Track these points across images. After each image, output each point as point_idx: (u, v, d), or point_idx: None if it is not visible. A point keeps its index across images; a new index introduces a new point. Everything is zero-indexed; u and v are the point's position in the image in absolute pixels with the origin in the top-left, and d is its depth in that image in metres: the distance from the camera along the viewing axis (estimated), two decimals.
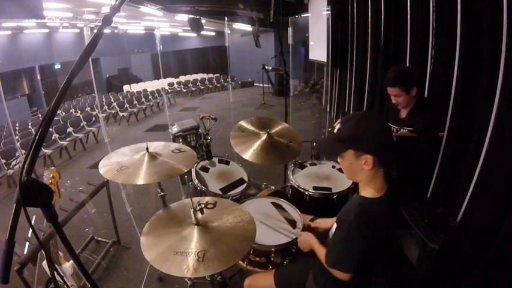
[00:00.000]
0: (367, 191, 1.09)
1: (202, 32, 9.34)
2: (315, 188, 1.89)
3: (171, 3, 7.29)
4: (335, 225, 1.19)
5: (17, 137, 5.21)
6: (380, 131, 1.04)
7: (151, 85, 12.21)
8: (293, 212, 1.73)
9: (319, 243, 1.29)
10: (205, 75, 13.93)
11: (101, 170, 1.53)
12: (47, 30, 10.56)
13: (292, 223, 1.63)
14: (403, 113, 1.90)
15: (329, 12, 4.86)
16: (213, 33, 13.93)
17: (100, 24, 0.63)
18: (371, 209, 1.06)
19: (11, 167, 4.51)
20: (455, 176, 1.76)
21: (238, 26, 10.60)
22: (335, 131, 1.08)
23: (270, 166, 3.29)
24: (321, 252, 1.24)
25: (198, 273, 1.04)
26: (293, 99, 8.12)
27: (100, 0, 6.69)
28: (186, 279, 1.91)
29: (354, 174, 1.10)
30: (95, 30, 0.63)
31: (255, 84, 12.84)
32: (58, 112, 4.29)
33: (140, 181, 1.46)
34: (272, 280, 1.39)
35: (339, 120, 1.10)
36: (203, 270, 1.05)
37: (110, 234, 2.81)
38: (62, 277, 1.89)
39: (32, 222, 0.67)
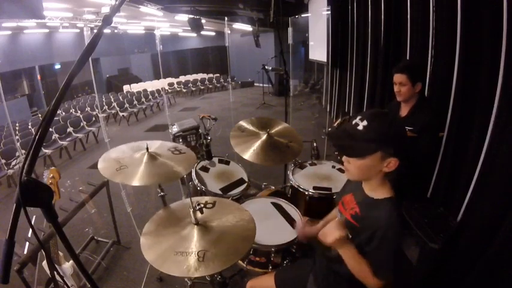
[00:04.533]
0: (382, 192, 1.03)
1: (202, 32, 9.32)
2: (315, 188, 1.89)
3: (171, 3, 7.28)
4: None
5: (17, 137, 5.20)
6: (404, 133, 1.02)
7: (152, 85, 12.20)
8: (293, 212, 1.73)
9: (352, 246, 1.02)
10: (205, 75, 13.92)
11: (100, 165, 1.53)
12: (47, 30, 10.55)
13: (292, 223, 1.63)
14: (403, 112, 1.90)
15: (329, 12, 4.87)
16: (213, 33, 13.92)
17: (100, 24, 0.63)
18: (399, 211, 1.01)
19: (11, 167, 4.51)
20: (455, 176, 1.76)
21: (238, 26, 10.59)
22: (360, 128, 0.94)
23: (270, 166, 3.29)
24: (356, 258, 1.02)
25: (198, 273, 1.04)
26: (293, 99, 8.11)
27: (100, 0, 6.69)
28: (186, 279, 1.91)
29: (368, 175, 1.01)
30: (95, 30, 0.63)
31: (255, 84, 12.82)
32: (58, 112, 4.29)
33: (138, 182, 1.45)
34: (273, 284, 1.39)
35: (359, 116, 0.97)
36: (203, 270, 1.05)
37: (110, 234, 2.80)
38: (62, 277, 1.89)
39: (32, 222, 0.67)
